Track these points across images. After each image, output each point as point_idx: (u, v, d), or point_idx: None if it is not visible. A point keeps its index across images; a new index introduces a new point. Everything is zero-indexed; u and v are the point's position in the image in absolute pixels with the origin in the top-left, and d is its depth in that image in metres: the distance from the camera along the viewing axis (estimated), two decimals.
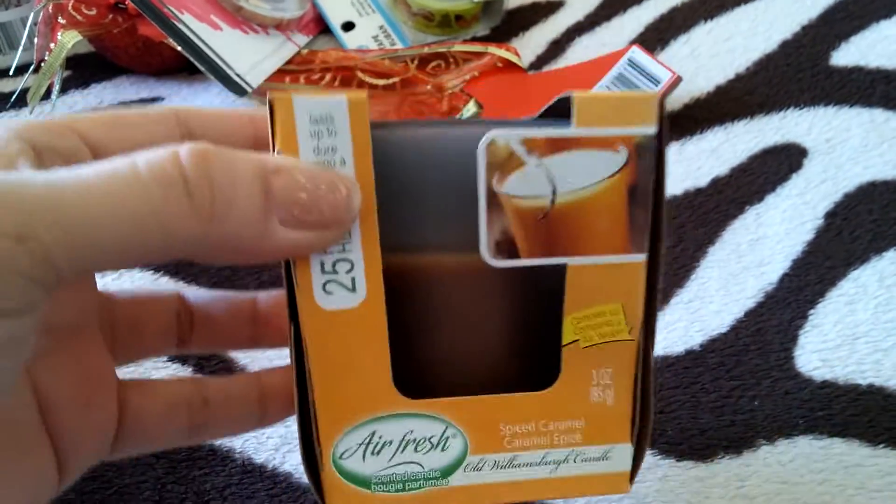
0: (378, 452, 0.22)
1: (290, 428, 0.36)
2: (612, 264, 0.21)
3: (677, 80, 0.47)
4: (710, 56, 0.53)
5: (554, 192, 0.21)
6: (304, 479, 0.35)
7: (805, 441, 0.35)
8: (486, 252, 0.21)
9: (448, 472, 0.22)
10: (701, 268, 0.41)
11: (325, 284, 0.20)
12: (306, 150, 0.19)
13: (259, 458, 0.35)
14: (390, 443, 0.22)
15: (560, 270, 0.21)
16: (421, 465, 0.22)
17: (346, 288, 0.20)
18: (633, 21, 0.56)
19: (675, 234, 0.43)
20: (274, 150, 0.19)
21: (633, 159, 0.21)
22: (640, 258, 0.21)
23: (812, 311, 0.39)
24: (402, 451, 0.22)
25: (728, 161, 0.46)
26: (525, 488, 0.23)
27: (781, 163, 0.46)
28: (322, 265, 0.20)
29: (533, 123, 0.21)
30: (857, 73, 0.51)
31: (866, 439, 0.35)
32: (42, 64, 0.49)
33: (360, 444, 0.22)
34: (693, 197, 0.44)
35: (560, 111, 0.21)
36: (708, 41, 0.54)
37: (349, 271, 0.20)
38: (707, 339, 0.38)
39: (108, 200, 0.16)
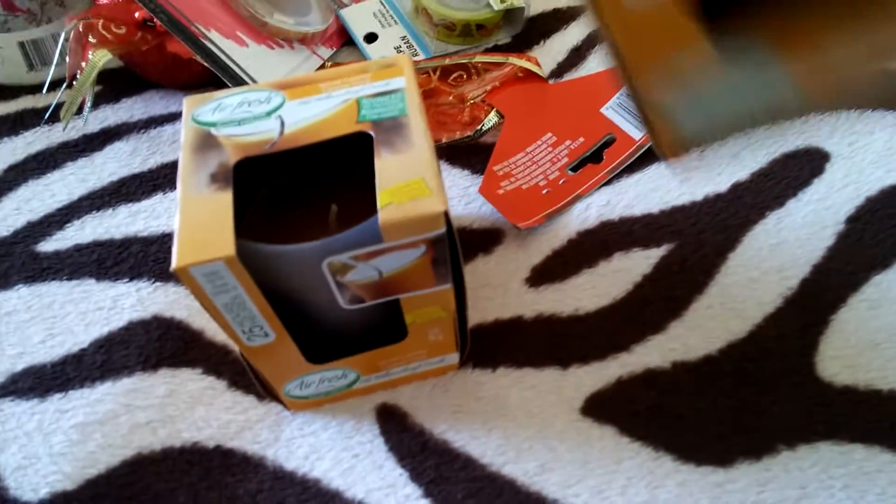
0: (308, 386, 0.37)
1: (318, 437, 0.37)
2: (429, 293, 0.33)
3: None
4: None
5: (380, 274, 0.31)
6: (333, 483, 0.36)
7: (826, 447, 0.35)
8: (342, 303, 0.33)
9: (352, 384, 0.38)
10: (721, 274, 0.42)
11: (248, 337, 0.32)
12: (208, 288, 0.29)
13: (289, 465, 0.37)
14: (314, 382, 0.37)
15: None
16: (335, 386, 0.38)
17: (262, 335, 0.33)
18: None
19: (695, 240, 0.43)
20: None
21: (430, 249, 0.30)
22: (447, 286, 0.33)
23: (833, 317, 0.39)
24: (321, 383, 0.37)
25: (749, 166, 0.46)
26: (395, 382, 0.39)
27: (803, 167, 0.46)
28: (243, 331, 0.32)
29: (359, 238, 0.30)
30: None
31: (888, 445, 0.35)
32: (74, 81, 0.51)
33: (296, 386, 0.37)
34: (713, 203, 0.45)
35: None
36: None
37: (261, 328, 0.32)
38: (726, 344, 0.39)
39: None
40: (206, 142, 0.32)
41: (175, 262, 0.28)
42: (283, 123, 0.32)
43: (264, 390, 0.38)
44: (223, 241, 0.28)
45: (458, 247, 0.32)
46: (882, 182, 0.45)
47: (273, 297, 0.32)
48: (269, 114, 0.32)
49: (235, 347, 0.41)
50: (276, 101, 0.33)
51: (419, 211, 0.28)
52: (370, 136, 0.32)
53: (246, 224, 0.36)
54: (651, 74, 0.22)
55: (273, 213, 0.36)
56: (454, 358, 0.38)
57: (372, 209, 0.34)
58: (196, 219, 0.29)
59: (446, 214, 0.29)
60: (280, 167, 0.37)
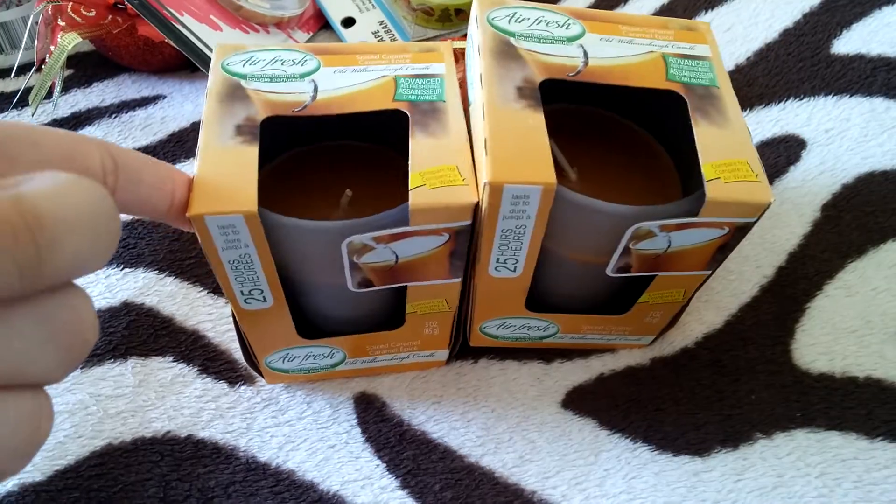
0: (293, 360, 0.36)
1: (293, 427, 0.37)
2: (438, 284, 0.32)
3: None
4: None
5: (397, 258, 0.30)
6: (308, 475, 0.35)
7: (802, 434, 0.35)
8: (351, 287, 0.31)
9: (336, 365, 0.37)
10: None
11: (245, 299, 0.31)
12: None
13: (263, 457, 0.36)
14: (299, 356, 0.36)
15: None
16: (320, 365, 0.37)
17: (260, 300, 0.31)
18: (634, 12, 0.56)
19: None
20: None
21: (452, 238, 0.29)
22: (457, 280, 0.32)
23: (809, 305, 0.39)
24: (307, 359, 0.36)
25: None
26: (379, 370, 0.38)
27: (780, 155, 0.46)
28: (241, 292, 0.30)
29: (383, 223, 0.29)
30: (858, 61, 0.51)
31: (864, 432, 0.35)
32: (43, 65, 0.49)
33: (280, 358, 0.36)
34: None
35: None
36: None
37: (261, 292, 0.31)
38: (703, 336, 0.39)
39: None
40: (235, 92, 0.31)
41: (191, 209, 0.26)
42: (316, 88, 0.31)
43: (245, 356, 0.37)
44: (245, 196, 0.27)
45: (477, 244, 0.31)
46: (858, 169, 0.44)
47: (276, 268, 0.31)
48: (302, 76, 0.32)
49: (206, 332, 0.40)
50: (312, 65, 0.32)
51: (450, 199, 0.28)
52: (397, 121, 0.31)
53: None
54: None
55: (283, 182, 0.35)
56: (443, 354, 0.38)
57: (384, 196, 0.33)
58: (217, 168, 0.28)
59: (475, 207, 0.28)
60: (302, 134, 0.36)
